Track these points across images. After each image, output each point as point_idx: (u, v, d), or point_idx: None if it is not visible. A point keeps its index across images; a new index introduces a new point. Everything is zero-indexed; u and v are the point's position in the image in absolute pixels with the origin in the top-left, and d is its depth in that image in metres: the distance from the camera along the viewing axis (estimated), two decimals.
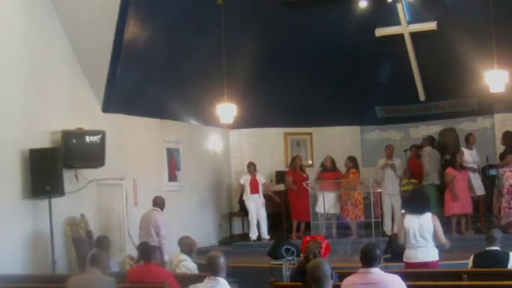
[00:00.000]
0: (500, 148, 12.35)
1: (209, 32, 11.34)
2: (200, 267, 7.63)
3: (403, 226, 7.26)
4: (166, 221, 9.82)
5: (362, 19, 12.97)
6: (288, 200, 13.18)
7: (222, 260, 5.25)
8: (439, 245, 7.22)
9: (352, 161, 12.54)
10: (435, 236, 7.15)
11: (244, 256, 11.40)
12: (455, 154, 12.34)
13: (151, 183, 11.42)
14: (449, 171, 11.80)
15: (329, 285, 4.78)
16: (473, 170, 11.90)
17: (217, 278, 5.17)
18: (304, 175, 12.91)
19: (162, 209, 9.88)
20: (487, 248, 6.83)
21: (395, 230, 7.49)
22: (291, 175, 13.01)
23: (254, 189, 12.89)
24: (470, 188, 11.81)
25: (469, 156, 12.00)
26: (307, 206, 12.01)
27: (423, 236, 7.13)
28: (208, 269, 5.29)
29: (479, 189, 11.99)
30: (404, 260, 7.31)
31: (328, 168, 12.62)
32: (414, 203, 7.43)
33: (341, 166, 12.72)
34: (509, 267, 6.67)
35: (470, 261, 6.94)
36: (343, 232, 12.53)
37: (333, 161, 12.71)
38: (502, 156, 11.75)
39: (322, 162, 12.89)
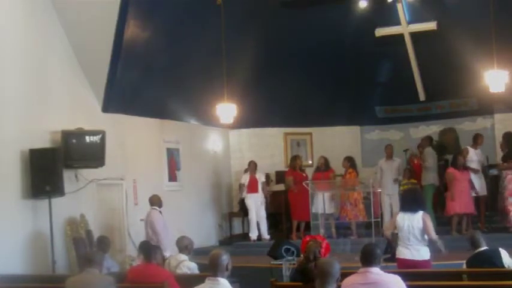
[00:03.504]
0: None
1: (209, 32, 11.34)
2: (200, 267, 7.63)
3: (395, 224, 7.28)
4: (164, 219, 9.81)
5: (362, 19, 12.98)
6: (288, 200, 13.17)
7: (223, 259, 5.04)
8: (429, 243, 7.20)
9: (349, 161, 12.54)
10: (425, 232, 7.13)
11: (244, 256, 11.39)
12: (456, 154, 12.33)
13: (151, 183, 11.42)
14: (450, 170, 11.81)
15: (333, 286, 4.81)
16: (475, 171, 11.89)
17: (218, 278, 5.01)
18: (304, 175, 12.91)
19: (160, 207, 9.89)
20: (477, 251, 6.86)
21: (395, 230, 7.48)
22: (291, 175, 13.00)
23: (253, 188, 12.88)
24: (472, 187, 11.79)
25: (474, 155, 12.03)
26: (307, 206, 12.02)
27: (414, 234, 7.13)
28: (209, 269, 5.14)
29: (481, 190, 11.98)
30: (397, 256, 7.31)
31: (321, 169, 12.66)
32: (407, 202, 7.47)
33: (338, 166, 12.74)
34: (504, 263, 6.71)
35: (464, 267, 6.96)
36: (343, 232, 12.52)
37: (326, 161, 12.74)
38: (505, 158, 11.71)
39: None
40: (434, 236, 7.18)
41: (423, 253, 7.16)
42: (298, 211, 12.74)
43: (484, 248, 6.86)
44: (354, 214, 12.20)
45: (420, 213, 7.21)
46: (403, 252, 7.20)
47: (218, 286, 5.02)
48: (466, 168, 11.74)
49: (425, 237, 7.18)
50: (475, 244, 6.89)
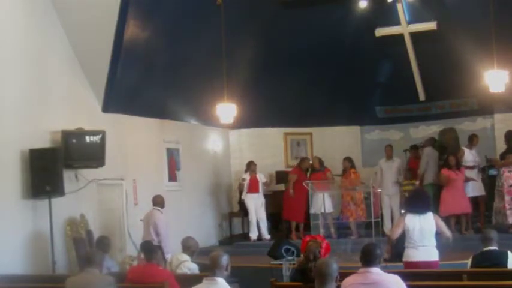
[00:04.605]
0: (500, 148, 12.36)
1: (209, 32, 11.34)
2: (200, 267, 7.64)
3: (403, 225, 7.28)
4: (167, 220, 9.81)
5: (362, 19, 12.99)
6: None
7: (222, 259, 5.13)
8: (443, 241, 7.23)
9: (349, 161, 12.60)
10: (440, 231, 7.20)
11: (244, 256, 11.40)
12: (448, 155, 12.31)
13: (151, 183, 11.42)
14: (444, 172, 11.80)
15: (332, 286, 4.81)
16: (470, 167, 11.88)
17: (216, 278, 5.08)
18: (307, 177, 12.90)
19: (162, 208, 9.87)
20: (485, 249, 6.84)
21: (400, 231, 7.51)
22: (296, 173, 12.98)
23: (253, 188, 12.88)
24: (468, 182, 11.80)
25: (469, 155, 12.04)
26: (301, 207, 12.06)
27: (425, 235, 7.16)
28: (209, 269, 5.21)
29: (479, 190, 11.98)
30: (404, 259, 7.29)
31: (316, 169, 12.67)
32: (415, 202, 7.46)
33: (338, 166, 12.74)
34: (509, 266, 6.68)
35: (469, 263, 6.96)
36: (343, 232, 12.53)
37: (320, 162, 12.78)
38: (503, 156, 11.73)
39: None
40: (449, 233, 7.32)
41: (434, 254, 7.23)
42: (291, 211, 12.79)
43: (493, 247, 6.82)
44: (358, 214, 12.23)
45: (431, 214, 7.27)
46: (413, 254, 7.20)
47: (216, 285, 5.07)
48: (459, 168, 11.72)
49: (435, 237, 7.21)
50: (484, 242, 6.86)
